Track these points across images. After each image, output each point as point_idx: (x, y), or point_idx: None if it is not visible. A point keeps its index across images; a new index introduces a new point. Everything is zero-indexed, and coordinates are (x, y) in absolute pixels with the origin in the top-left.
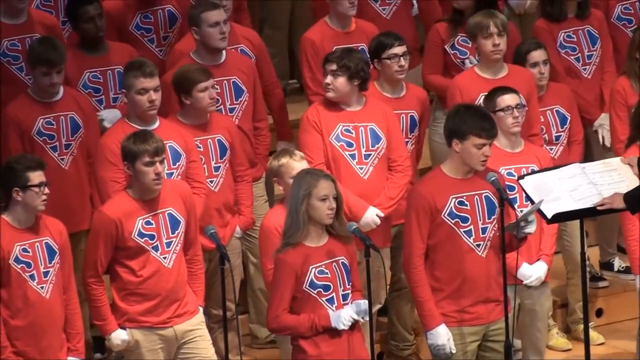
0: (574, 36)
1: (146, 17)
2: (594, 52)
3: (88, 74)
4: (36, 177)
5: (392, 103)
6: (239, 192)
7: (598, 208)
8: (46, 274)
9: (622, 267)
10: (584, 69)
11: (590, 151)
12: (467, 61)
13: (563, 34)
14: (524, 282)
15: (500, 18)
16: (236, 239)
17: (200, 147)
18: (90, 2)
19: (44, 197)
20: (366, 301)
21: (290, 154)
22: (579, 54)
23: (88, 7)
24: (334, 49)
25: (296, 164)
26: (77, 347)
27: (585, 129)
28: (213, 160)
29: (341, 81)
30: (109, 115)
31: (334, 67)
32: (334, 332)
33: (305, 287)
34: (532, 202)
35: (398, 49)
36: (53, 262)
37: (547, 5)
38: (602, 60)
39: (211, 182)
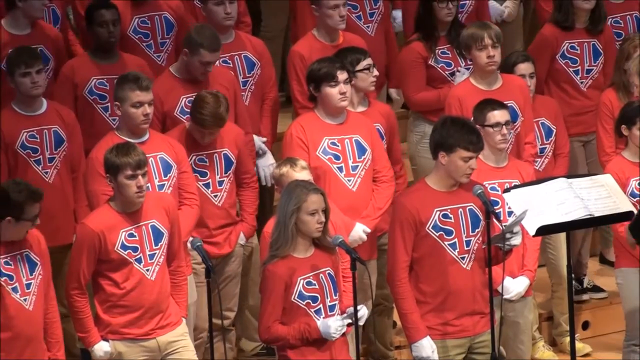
0: (578, 48)
1: (143, 22)
2: (595, 67)
3: (95, 80)
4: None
5: None
6: (243, 197)
7: None
8: (28, 285)
9: (590, 285)
10: (582, 83)
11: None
12: (456, 72)
13: (567, 44)
14: (505, 296)
15: (494, 29)
16: (240, 246)
17: (205, 161)
18: (107, 8)
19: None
20: (352, 307)
21: (291, 163)
22: (579, 67)
23: (104, 12)
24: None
25: (296, 174)
26: (57, 356)
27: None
28: (218, 174)
29: (349, 87)
30: None
31: (345, 75)
32: (320, 342)
33: (293, 298)
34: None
35: (370, 60)
36: (34, 273)
37: (556, 11)
38: (602, 76)
39: (215, 196)
